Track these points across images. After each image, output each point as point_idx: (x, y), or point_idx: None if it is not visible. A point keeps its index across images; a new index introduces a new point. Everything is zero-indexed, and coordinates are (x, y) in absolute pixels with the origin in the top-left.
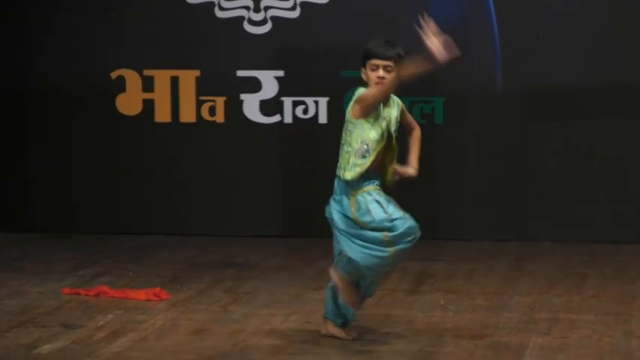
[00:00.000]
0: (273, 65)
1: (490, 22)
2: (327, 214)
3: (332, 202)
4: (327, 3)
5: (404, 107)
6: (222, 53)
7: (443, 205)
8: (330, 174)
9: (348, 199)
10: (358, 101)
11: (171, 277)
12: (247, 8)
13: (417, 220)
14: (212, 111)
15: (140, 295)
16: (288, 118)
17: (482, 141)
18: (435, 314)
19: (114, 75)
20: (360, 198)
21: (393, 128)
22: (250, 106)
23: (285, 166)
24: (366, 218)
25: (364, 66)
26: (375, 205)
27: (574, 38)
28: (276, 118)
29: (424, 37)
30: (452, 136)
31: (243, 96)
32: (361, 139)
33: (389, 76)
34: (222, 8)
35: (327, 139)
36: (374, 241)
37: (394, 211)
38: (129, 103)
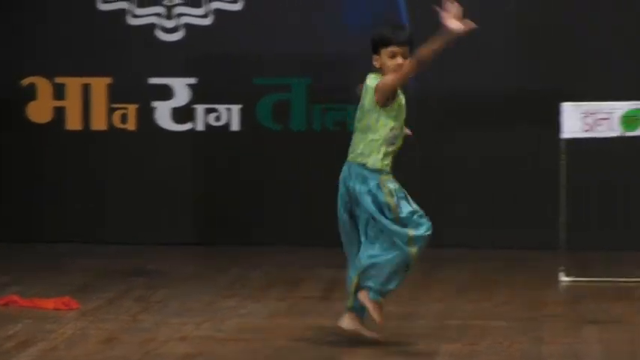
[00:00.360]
0: (185, 73)
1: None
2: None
3: (355, 182)
4: (240, 10)
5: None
6: (134, 60)
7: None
8: (241, 180)
9: (378, 184)
10: (380, 89)
11: (81, 286)
12: (159, 15)
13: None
14: (124, 119)
15: (49, 304)
16: (200, 126)
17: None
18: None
19: (25, 82)
20: (390, 185)
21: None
22: (162, 114)
23: (197, 174)
24: (403, 207)
25: (378, 53)
26: (403, 196)
27: (489, 42)
28: (188, 125)
29: (445, 16)
30: None
31: (155, 103)
32: (389, 127)
33: (405, 62)
34: (134, 15)
35: (240, 145)
36: (401, 236)
37: (416, 205)
38: (39, 111)
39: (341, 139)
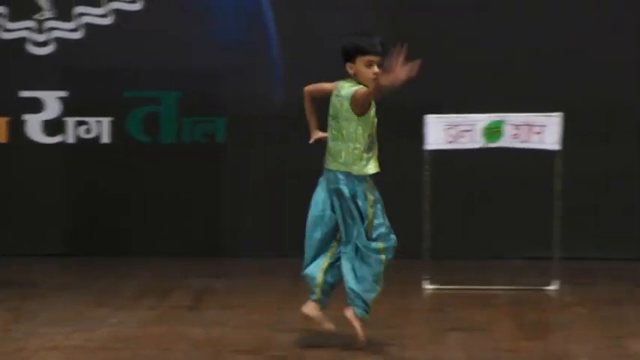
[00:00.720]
0: (56, 86)
1: (270, 41)
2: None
3: (343, 186)
4: (111, 24)
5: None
6: (5, 74)
7: (224, 223)
8: (112, 192)
9: (364, 190)
10: (356, 100)
11: None
12: (30, 29)
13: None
14: None
15: None
16: (71, 138)
17: (263, 158)
18: (215, 330)
19: None
20: (372, 195)
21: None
22: (33, 127)
23: (67, 186)
24: (378, 219)
25: (353, 61)
26: (380, 207)
27: None
28: (59, 138)
29: (392, 63)
30: (234, 154)
31: (25, 116)
32: (368, 134)
33: (378, 74)
34: (5, 30)
35: (110, 158)
36: (371, 246)
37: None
38: None
39: (210, 150)
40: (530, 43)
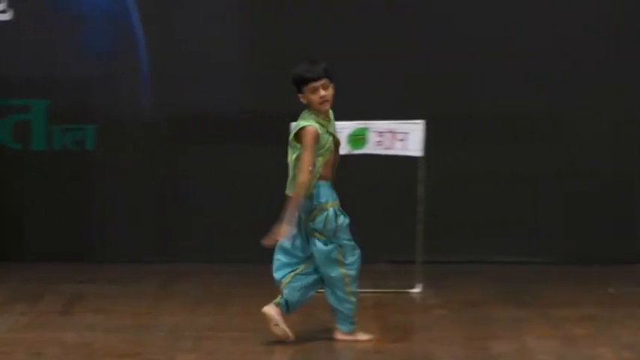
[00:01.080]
0: None
1: (139, 50)
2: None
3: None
4: None
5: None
6: None
7: (95, 229)
8: None
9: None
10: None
11: None
12: None
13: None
14: None
15: None
16: None
17: (133, 165)
18: (86, 334)
19: None
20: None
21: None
22: None
23: None
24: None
25: (302, 92)
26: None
27: (221, 65)
28: None
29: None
30: (103, 162)
31: None
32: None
33: (329, 92)
34: None
35: None
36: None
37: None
38: None
39: (80, 157)
40: (394, 52)
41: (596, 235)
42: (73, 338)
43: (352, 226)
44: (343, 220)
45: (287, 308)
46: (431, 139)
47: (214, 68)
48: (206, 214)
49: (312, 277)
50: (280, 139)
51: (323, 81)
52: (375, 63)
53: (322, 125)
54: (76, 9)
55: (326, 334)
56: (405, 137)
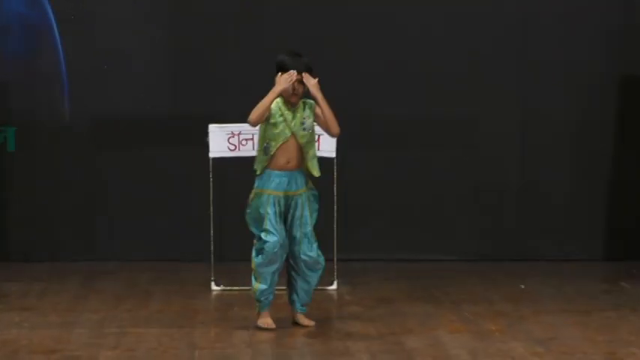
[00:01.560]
0: None
1: (58, 54)
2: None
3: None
4: None
5: (318, 111)
6: None
7: (14, 229)
8: None
9: None
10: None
11: None
12: None
13: None
14: None
15: None
16: None
17: (53, 166)
18: (11, 332)
19: None
20: None
21: (295, 128)
22: None
23: None
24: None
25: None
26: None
27: (138, 69)
28: None
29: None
30: (24, 163)
31: None
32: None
33: (301, 88)
34: None
35: None
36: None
37: None
38: None
39: (1, 158)
40: (316, 50)
41: (506, 232)
42: None
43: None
44: (263, 211)
45: None
46: (346, 141)
47: (132, 70)
48: (125, 213)
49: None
50: (197, 140)
51: (301, 76)
52: None
53: (281, 110)
54: None
55: (245, 330)
56: (319, 139)
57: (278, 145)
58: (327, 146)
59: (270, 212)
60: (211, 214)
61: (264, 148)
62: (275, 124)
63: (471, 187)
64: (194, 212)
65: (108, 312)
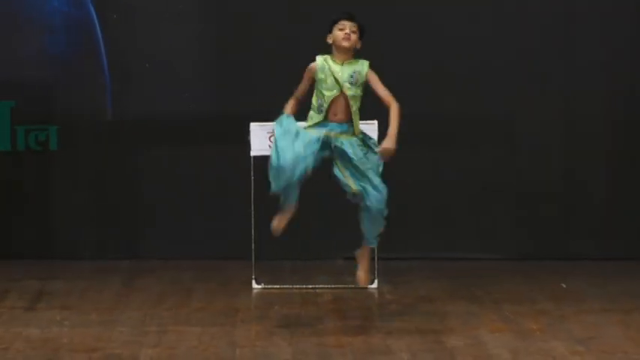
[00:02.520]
0: None
1: (100, 53)
2: None
3: None
4: None
5: (373, 79)
6: None
7: (59, 226)
8: None
9: None
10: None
11: None
12: None
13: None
14: None
15: None
16: None
17: (95, 165)
18: (52, 330)
19: None
20: None
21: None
22: None
23: None
24: None
25: (330, 31)
26: None
27: (180, 68)
28: None
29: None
30: (66, 162)
31: None
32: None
33: (354, 34)
34: None
35: None
36: None
37: None
38: None
39: (43, 158)
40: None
41: (549, 231)
42: (38, 334)
43: (311, 223)
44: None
45: None
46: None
47: (174, 68)
48: (167, 211)
49: None
50: (239, 138)
51: (352, 23)
52: None
53: (328, 64)
54: (38, 14)
55: (286, 329)
56: None
57: (330, 99)
58: None
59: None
60: (252, 212)
61: (317, 106)
62: (324, 79)
63: (513, 185)
64: (235, 211)
65: (149, 310)
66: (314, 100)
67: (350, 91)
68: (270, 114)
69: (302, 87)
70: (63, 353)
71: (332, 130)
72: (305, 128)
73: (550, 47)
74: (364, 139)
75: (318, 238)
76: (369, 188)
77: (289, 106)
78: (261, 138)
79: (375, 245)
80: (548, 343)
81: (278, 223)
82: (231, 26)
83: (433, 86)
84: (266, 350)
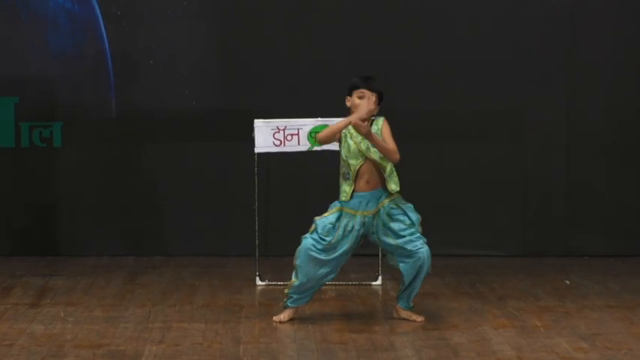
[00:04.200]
0: None
1: (104, 49)
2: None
3: None
4: None
5: (385, 132)
6: None
7: (63, 223)
8: None
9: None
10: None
11: None
12: None
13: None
14: None
15: None
16: None
17: (99, 161)
18: (56, 326)
19: None
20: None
21: (365, 147)
22: None
23: None
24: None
25: (350, 95)
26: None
27: (185, 64)
28: None
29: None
30: (70, 158)
31: None
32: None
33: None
34: None
35: None
36: None
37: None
38: None
39: (47, 154)
40: (355, 50)
41: (552, 228)
42: (42, 330)
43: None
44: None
45: None
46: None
47: (177, 65)
48: (171, 208)
49: None
50: (243, 135)
51: (372, 93)
52: (335, 60)
53: (350, 132)
54: (42, 10)
55: (289, 325)
56: None
57: (356, 168)
58: None
59: (333, 220)
60: (256, 209)
61: (343, 174)
62: (347, 147)
63: (517, 181)
64: (239, 207)
65: (153, 307)
66: (341, 170)
67: (376, 155)
68: (274, 111)
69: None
70: (67, 349)
71: (368, 209)
72: (340, 207)
73: (556, 44)
74: (398, 203)
75: None
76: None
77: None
78: (265, 135)
79: (409, 307)
80: (552, 340)
81: (283, 317)
82: (235, 23)
83: (439, 84)
84: (270, 347)
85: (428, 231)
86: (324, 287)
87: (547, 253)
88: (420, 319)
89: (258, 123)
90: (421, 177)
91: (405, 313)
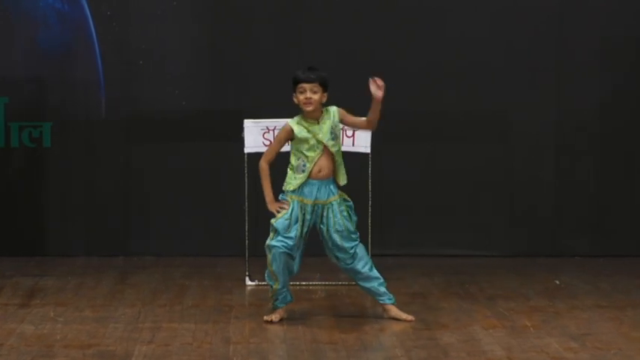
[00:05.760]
0: None
1: (94, 50)
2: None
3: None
4: None
5: (345, 117)
6: None
7: (52, 223)
8: None
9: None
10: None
11: None
12: None
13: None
14: None
15: None
16: None
17: (89, 162)
18: (46, 326)
19: None
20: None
21: (325, 139)
22: None
23: None
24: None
25: (294, 91)
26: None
27: (174, 65)
28: None
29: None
30: (59, 159)
31: None
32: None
33: (315, 96)
34: None
35: None
36: None
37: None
38: None
39: (37, 154)
40: (346, 50)
41: (542, 228)
42: (32, 330)
43: None
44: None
45: None
46: (380, 137)
47: (167, 65)
48: (160, 208)
49: None
50: (232, 135)
51: (313, 85)
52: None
53: (304, 126)
54: (32, 10)
55: (279, 326)
56: (354, 134)
57: (314, 161)
58: (362, 142)
59: (287, 216)
60: (246, 209)
61: (297, 167)
62: (304, 141)
63: (508, 182)
64: (229, 208)
65: (143, 307)
66: (292, 161)
67: (334, 148)
68: (263, 111)
69: (276, 149)
70: (57, 349)
71: (319, 198)
72: (287, 193)
73: (546, 46)
74: (345, 201)
75: (311, 235)
76: (346, 256)
77: (266, 175)
78: (254, 135)
79: (393, 301)
80: (542, 340)
81: (275, 318)
82: (224, 23)
83: (430, 85)
84: (260, 347)
85: (419, 231)
86: (314, 287)
87: (537, 254)
88: (410, 318)
89: (248, 123)
90: (412, 177)
91: (394, 312)
